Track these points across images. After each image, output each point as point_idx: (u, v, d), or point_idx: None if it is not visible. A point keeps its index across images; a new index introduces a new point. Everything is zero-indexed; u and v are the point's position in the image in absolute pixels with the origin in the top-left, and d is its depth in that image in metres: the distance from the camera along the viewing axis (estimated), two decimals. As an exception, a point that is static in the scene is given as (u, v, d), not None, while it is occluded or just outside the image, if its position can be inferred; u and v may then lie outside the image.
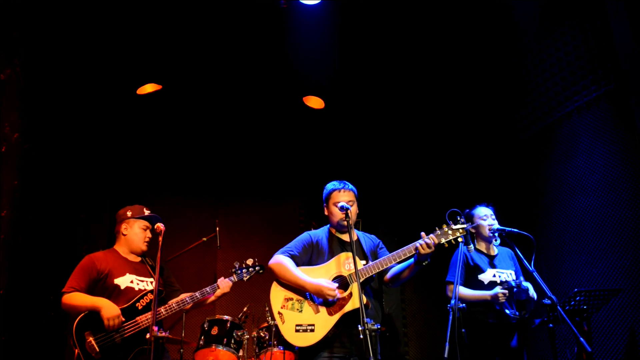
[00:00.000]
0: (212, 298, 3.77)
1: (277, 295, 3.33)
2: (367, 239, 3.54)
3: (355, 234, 3.49)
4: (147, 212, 3.75)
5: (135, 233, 3.70)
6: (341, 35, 5.39)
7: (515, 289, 3.62)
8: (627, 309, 3.92)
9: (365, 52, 5.68)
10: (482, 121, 5.77)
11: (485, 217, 3.97)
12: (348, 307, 3.16)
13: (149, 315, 3.42)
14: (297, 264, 3.34)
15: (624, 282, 3.95)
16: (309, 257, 3.40)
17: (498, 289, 3.64)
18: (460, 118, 6.07)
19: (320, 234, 3.51)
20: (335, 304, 3.19)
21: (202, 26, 5.23)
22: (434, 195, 6.14)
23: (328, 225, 3.58)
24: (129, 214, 3.74)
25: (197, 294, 3.63)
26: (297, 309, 3.24)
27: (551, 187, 4.72)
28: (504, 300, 3.62)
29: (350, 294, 3.19)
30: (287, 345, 4.51)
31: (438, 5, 5.09)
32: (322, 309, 3.21)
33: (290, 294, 3.31)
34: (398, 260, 3.21)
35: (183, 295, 3.66)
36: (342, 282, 3.23)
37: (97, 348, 3.28)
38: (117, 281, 3.50)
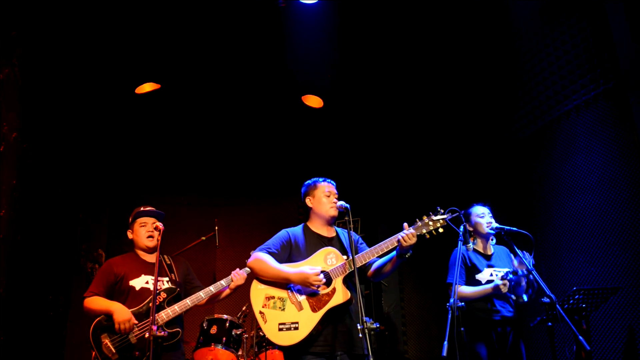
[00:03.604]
0: (227, 291, 3.76)
1: (258, 294, 3.25)
2: (346, 235, 3.53)
3: (335, 230, 3.49)
4: (142, 210, 3.78)
5: (136, 234, 3.74)
6: (340, 35, 5.39)
7: (514, 278, 3.64)
8: (625, 308, 3.93)
9: (363, 51, 5.68)
10: (482, 120, 5.78)
11: (483, 214, 3.98)
12: (332, 303, 3.13)
13: (162, 314, 3.47)
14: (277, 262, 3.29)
15: (622, 281, 3.96)
16: (288, 254, 3.35)
17: (498, 281, 3.65)
18: (460, 117, 6.08)
19: (297, 231, 3.47)
20: (319, 300, 3.15)
21: (200, 25, 5.22)
22: (433, 195, 6.15)
23: (303, 223, 3.55)
24: (130, 220, 3.81)
25: (211, 288, 3.66)
26: (280, 307, 3.18)
27: (550, 185, 4.72)
28: (505, 291, 3.63)
29: (334, 290, 3.16)
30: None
31: (437, 5, 5.10)
32: (306, 306, 3.16)
33: (271, 292, 3.24)
34: (381, 253, 3.21)
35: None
36: (326, 277, 3.18)
37: (113, 349, 3.37)
38: (132, 283, 3.57)
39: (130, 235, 3.79)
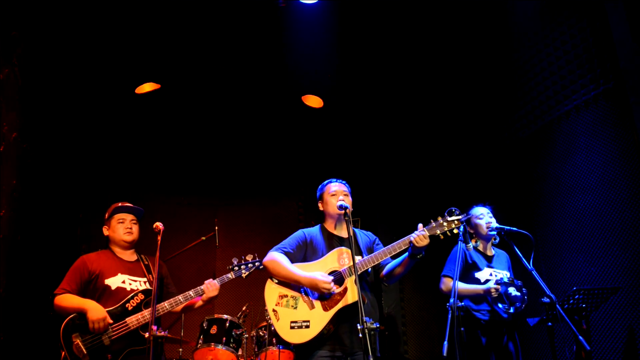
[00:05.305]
0: (200, 302, 3.62)
1: (272, 292, 3.31)
2: (363, 235, 3.55)
3: (352, 230, 3.50)
4: (120, 205, 3.69)
5: (113, 230, 3.65)
6: (340, 35, 5.39)
7: (509, 286, 3.63)
8: (625, 308, 3.93)
9: (363, 51, 5.68)
10: (481, 120, 5.78)
11: (482, 215, 3.99)
12: (343, 303, 3.15)
13: (138, 316, 3.39)
14: (292, 261, 3.33)
15: (622, 281, 3.96)
16: (303, 254, 3.39)
17: (491, 284, 3.66)
18: (459, 117, 6.08)
19: (314, 231, 3.51)
20: (331, 300, 3.18)
21: (201, 25, 5.22)
22: (433, 194, 6.14)
23: (320, 224, 3.58)
24: (106, 216, 3.72)
25: (180, 297, 3.51)
26: (292, 306, 3.23)
27: (550, 185, 4.72)
28: (496, 295, 3.63)
29: (346, 289, 3.18)
30: (286, 344, 4.51)
31: (437, 5, 5.10)
32: (317, 305, 3.19)
33: (284, 291, 3.29)
34: (393, 253, 3.22)
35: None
36: (338, 277, 3.21)
37: (84, 350, 3.25)
38: (107, 282, 3.46)
39: (106, 231, 3.69)
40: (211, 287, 3.56)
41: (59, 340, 3.28)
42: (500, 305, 3.70)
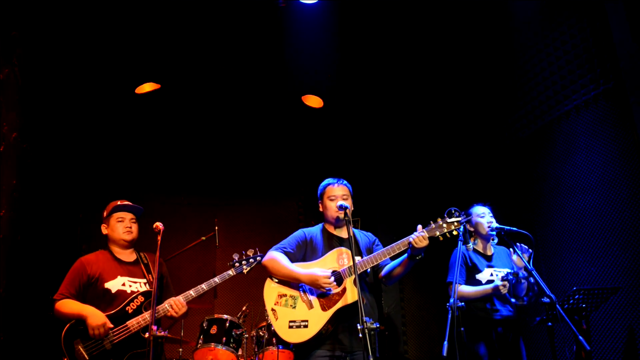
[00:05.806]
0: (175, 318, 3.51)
1: (271, 291, 3.31)
2: (363, 236, 3.55)
3: (352, 230, 3.50)
4: (119, 204, 3.65)
5: (112, 229, 3.60)
6: (340, 34, 5.39)
7: (514, 280, 3.64)
8: (625, 308, 3.93)
9: (363, 51, 5.68)
10: (481, 120, 5.78)
11: (483, 214, 3.99)
12: (342, 303, 3.15)
13: (139, 318, 3.35)
14: (292, 261, 3.33)
15: (622, 281, 3.96)
16: (303, 253, 3.40)
17: (498, 281, 3.65)
18: (459, 117, 6.08)
19: (314, 231, 3.52)
20: (330, 300, 3.18)
21: (201, 25, 5.22)
22: (433, 194, 6.15)
23: (322, 223, 3.58)
24: (104, 214, 3.68)
25: (180, 297, 3.47)
26: (291, 305, 3.23)
27: (550, 185, 4.72)
28: (505, 292, 3.64)
29: (344, 289, 3.19)
30: (286, 344, 4.50)
31: (437, 5, 5.10)
32: (316, 305, 3.19)
33: (283, 290, 3.29)
34: (392, 254, 3.22)
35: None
36: (337, 277, 3.22)
37: (86, 356, 3.23)
38: (107, 285, 3.42)
39: (104, 230, 3.64)
40: (175, 307, 3.43)
41: (60, 346, 3.25)
42: (513, 300, 3.71)
